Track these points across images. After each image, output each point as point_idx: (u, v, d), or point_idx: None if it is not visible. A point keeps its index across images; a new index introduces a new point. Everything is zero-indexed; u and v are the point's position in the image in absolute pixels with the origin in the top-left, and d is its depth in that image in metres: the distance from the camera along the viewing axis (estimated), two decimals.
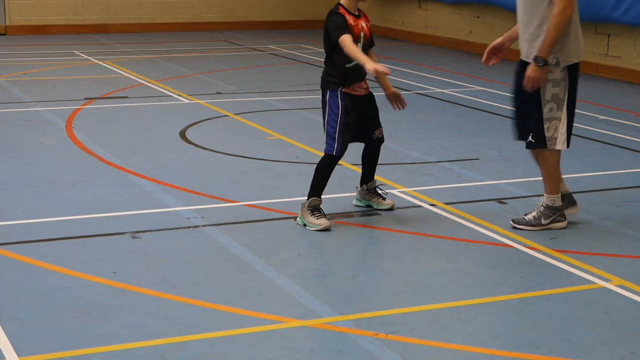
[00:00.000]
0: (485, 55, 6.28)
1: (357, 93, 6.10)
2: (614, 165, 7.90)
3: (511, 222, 6.10)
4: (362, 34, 6.04)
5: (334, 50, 6.01)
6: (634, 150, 8.51)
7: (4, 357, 4.17)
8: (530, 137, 6.02)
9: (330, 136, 6.05)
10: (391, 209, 6.43)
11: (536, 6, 5.83)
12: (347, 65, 6.01)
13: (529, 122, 6.02)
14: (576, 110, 9.78)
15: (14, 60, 13.93)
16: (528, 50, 5.92)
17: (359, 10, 6.09)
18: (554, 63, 5.83)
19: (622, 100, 11.25)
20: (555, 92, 5.90)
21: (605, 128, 9.40)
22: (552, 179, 6.10)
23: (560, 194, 6.12)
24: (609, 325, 4.66)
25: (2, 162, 7.68)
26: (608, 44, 13.18)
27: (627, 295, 5.03)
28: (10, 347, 4.25)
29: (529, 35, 5.90)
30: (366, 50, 6.08)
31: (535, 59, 5.80)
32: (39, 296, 4.89)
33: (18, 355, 4.19)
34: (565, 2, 5.70)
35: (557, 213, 6.08)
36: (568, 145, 6.06)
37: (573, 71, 5.94)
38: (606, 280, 5.24)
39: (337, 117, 6.01)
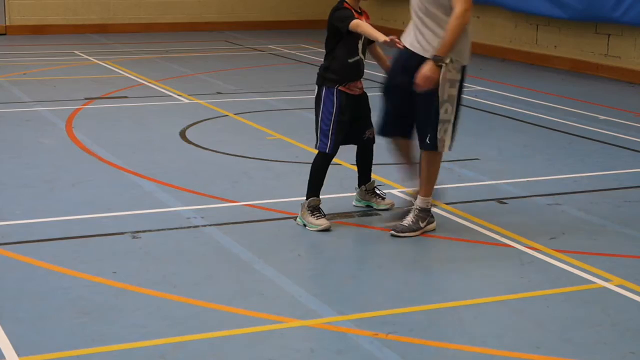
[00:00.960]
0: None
1: (352, 92, 6.09)
2: (614, 165, 7.90)
3: (392, 232, 5.93)
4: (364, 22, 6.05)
5: (338, 44, 6.02)
6: (634, 150, 8.51)
7: (4, 357, 4.17)
8: (427, 138, 5.87)
9: (323, 134, 6.05)
10: (390, 208, 6.43)
11: (436, 4, 5.74)
12: (350, 60, 6.01)
13: (423, 122, 5.86)
14: (576, 111, 9.78)
15: (14, 60, 13.93)
16: (419, 43, 5.79)
17: (360, 8, 6.10)
18: (450, 63, 5.73)
19: (622, 100, 11.25)
20: (452, 93, 5.81)
21: (605, 128, 9.41)
22: (432, 181, 6.03)
23: (429, 196, 6.03)
24: (609, 325, 4.66)
25: (2, 162, 7.68)
26: (608, 44, 13.18)
27: (627, 295, 5.03)
28: (10, 347, 4.25)
29: (426, 30, 5.77)
30: (365, 49, 6.10)
31: (435, 57, 5.66)
32: (39, 296, 4.89)
33: (18, 355, 4.19)
34: (466, 4, 5.65)
35: (429, 215, 6.03)
36: (451, 148, 5.98)
37: (463, 74, 5.89)
38: (606, 280, 5.24)
39: (332, 115, 6.02)
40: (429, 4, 5.73)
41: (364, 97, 6.21)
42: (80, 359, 4.19)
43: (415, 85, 5.70)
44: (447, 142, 5.90)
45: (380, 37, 5.76)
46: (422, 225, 5.97)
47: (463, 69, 5.87)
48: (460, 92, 5.89)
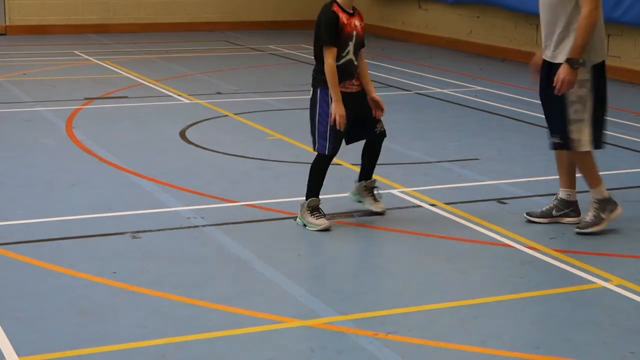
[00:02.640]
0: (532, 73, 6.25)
1: (348, 90, 6.04)
2: (614, 165, 7.89)
3: (576, 230, 6.04)
4: (354, 33, 6.01)
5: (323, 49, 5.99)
6: (634, 150, 8.51)
7: (4, 357, 4.17)
8: (556, 138, 6.00)
9: (321, 136, 6.02)
10: (382, 213, 6.35)
11: (562, 7, 5.83)
12: (338, 63, 5.97)
13: (554, 123, 6.00)
14: None
15: (14, 60, 13.93)
16: (554, 51, 5.91)
17: (353, 8, 6.07)
18: (581, 64, 5.81)
19: (622, 100, 11.25)
20: (581, 93, 5.87)
21: None
22: (591, 174, 6.09)
23: (600, 187, 6.08)
24: (609, 325, 4.66)
25: (2, 162, 7.68)
26: (608, 44, 13.16)
27: (627, 295, 5.03)
28: (10, 347, 4.25)
29: (555, 36, 5.88)
30: (357, 50, 6.05)
31: (569, 61, 5.76)
32: (39, 296, 4.89)
33: (18, 355, 4.19)
34: (593, 4, 5.70)
35: (610, 202, 6.09)
36: (601, 145, 6.03)
37: (599, 71, 5.93)
38: (606, 280, 5.24)
39: (327, 116, 5.97)
40: (553, 10, 5.85)
41: (362, 93, 6.13)
42: (80, 359, 4.19)
43: (556, 90, 5.80)
44: (586, 140, 5.94)
45: (336, 101, 5.87)
46: (604, 215, 6.04)
47: (595, 68, 5.90)
48: (596, 90, 5.91)
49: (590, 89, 5.89)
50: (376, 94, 6.18)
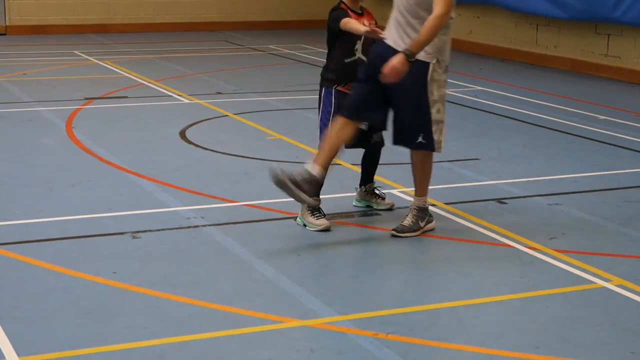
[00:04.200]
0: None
1: None
2: (614, 165, 7.90)
3: (393, 233, 5.92)
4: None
5: (335, 45, 6.03)
6: (634, 150, 8.51)
7: (4, 357, 4.17)
8: (421, 137, 5.82)
9: (323, 133, 6.06)
10: (391, 208, 6.43)
11: (422, 7, 5.69)
12: (347, 60, 6.01)
13: (416, 121, 5.80)
14: (576, 111, 9.79)
15: (14, 60, 13.93)
16: (401, 39, 5.69)
17: (362, 8, 6.10)
18: (435, 63, 5.72)
19: (622, 100, 11.25)
20: (442, 93, 5.81)
21: (605, 128, 9.41)
22: (427, 181, 6.03)
23: (426, 196, 6.03)
24: (609, 325, 4.66)
25: (2, 162, 7.68)
26: (608, 44, 13.18)
27: (627, 295, 5.03)
28: (10, 347, 4.25)
29: (408, 27, 5.69)
30: (365, 49, 6.06)
31: (407, 51, 5.53)
32: (39, 296, 4.89)
33: (18, 355, 4.19)
34: (446, 7, 5.52)
35: (428, 214, 6.04)
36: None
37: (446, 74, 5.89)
38: (606, 280, 5.24)
39: (330, 115, 6.03)
40: (416, 5, 5.67)
41: None
42: (80, 359, 4.19)
43: (381, 75, 5.56)
44: (444, 143, 5.90)
45: (362, 28, 5.76)
46: (421, 224, 5.97)
47: (446, 69, 5.86)
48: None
49: (445, 90, 5.85)
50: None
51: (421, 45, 5.55)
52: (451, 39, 5.83)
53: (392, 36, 5.77)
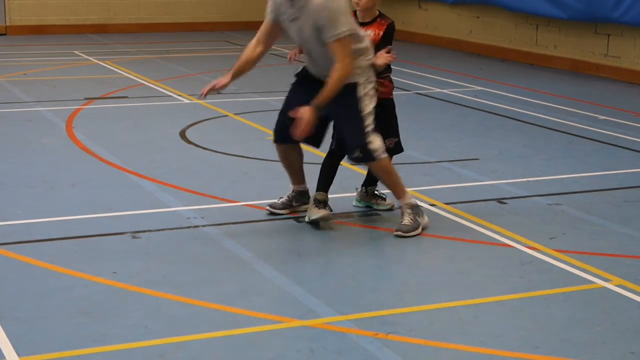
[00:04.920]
0: (206, 90, 6.32)
1: None
2: (614, 165, 7.90)
3: (396, 234, 5.94)
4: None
5: None
6: (634, 150, 8.51)
7: (4, 357, 4.17)
8: (357, 152, 5.88)
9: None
10: (391, 209, 6.44)
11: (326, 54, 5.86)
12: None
13: (352, 138, 5.88)
14: (576, 111, 9.81)
15: (14, 60, 13.93)
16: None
17: (377, 16, 6.09)
18: (363, 80, 5.83)
19: (622, 100, 11.25)
20: (373, 104, 5.88)
21: (605, 128, 9.41)
22: (397, 183, 6.04)
23: (407, 192, 6.07)
24: (609, 325, 4.66)
25: (2, 162, 7.68)
26: (608, 44, 13.18)
27: (627, 295, 5.04)
28: (10, 347, 4.25)
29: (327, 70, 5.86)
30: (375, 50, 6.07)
31: (317, 106, 5.69)
32: (39, 296, 4.89)
33: (18, 355, 4.19)
34: (348, 58, 5.69)
35: (419, 208, 6.06)
36: (390, 151, 6.07)
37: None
38: (606, 280, 5.24)
39: None
40: (315, 44, 5.96)
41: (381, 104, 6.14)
42: (80, 359, 4.19)
43: (296, 132, 5.69)
44: (382, 147, 5.91)
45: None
46: (420, 220, 5.99)
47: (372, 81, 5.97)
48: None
49: (374, 100, 5.93)
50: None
51: (327, 99, 5.72)
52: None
53: (315, 69, 6.15)
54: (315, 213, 6.03)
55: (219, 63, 13.82)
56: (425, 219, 6.06)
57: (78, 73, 12.70)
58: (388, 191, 6.69)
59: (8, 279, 5.14)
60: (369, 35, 6.05)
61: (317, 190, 6.15)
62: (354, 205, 6.52)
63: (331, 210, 6.10)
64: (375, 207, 6.46)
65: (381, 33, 6.11)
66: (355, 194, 6.57)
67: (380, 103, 6.03)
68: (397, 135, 6.26)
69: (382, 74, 6.04)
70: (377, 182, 6.44)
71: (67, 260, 5.42)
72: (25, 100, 10.47)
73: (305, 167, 6.34)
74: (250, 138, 8.73)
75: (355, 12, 6.12)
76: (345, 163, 7.31)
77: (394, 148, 6.26)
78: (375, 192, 6.49)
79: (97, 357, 4.21)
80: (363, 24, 6.08)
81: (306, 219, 6.13)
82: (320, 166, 6.26)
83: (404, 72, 12.97)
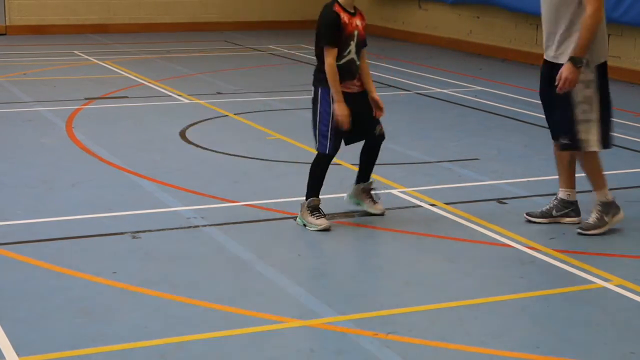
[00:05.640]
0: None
1: (349, 90, 6.05)
2: (614, 165, 7.89)
3: (579, 231, 6.04)
4: (355, 33, 6.01)
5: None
6: (634, 150, 8.51)
7: (4, 357, 4.17)
8: (564, 139, 5.99)
9: (322, 135, 6.02)
10: (382, 214, 6.34)
11: (565, 7, 5.83)
12: (339, 63, 5.97)
13: (562, 124, 5.99)
14: None
15: (14, 60, 13.93)
16: (556, 51, 5.91)
17: (355, 8, 6.07)
18: (584, 64, 5.83)
19: (622, 100, 11.23)
20: (588, 93, 5.89)
21: None
22: (596, 177, 6.11)
23: (605, 190, 6.11)
24: (609, 325, 4.66)
25: (2, 162, 7.68)
26: (608, 44, 13.17)
27: (627, 295, 5.03)
28: (10, 347, 4.25)
29: (558, 36, 5.89)
30: (359, 49, 6.05)
31: (573, 59, 5.76)
32: (39, 296, 4.89)
33: (18, 355, 4.19)
34: (597, 3, 5.71)
35: (613, 207, 6.11)
36: (609, 145, 6.05)
37: (602, 71, 5.94)
38: (606, 280, 5.24)
39: (329, 116, 5.97)
40: (556, 10, 5.86)
41: (363, 94, 6.14)
42: (80, 359, 4.19)
43: (558, 89, 5.80)
44: (594, 140, 5.94)
45: (338, 101, 5.84)
46: (607, 219, 6.04)
47: (599, 68, 5.91)
48: (601, 90, 5.93)
49: (595, 89, 5.90)
50: (377, 94, 6.18)
51: (584, 48, 5.75)
52: (605, 35, 5.93)
53: (547, 51, 6.04)
54: (314, 224, 5.99)
55: (219, 63, 13.83)
56: (617, 217, 6.09)
57: (78, 73, 12.70)
58: (387, 190, 6.69)
59: (8, 279, 5.14)
60: (357, 27, 6.02)
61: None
62: (345, 201, 6.43)
63: (325, 215, 6.05)
64: (365, 207, 6.35)
65: (364, 24, 6.10)
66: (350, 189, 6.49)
67: (360, 95, 6.11)
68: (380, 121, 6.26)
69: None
70: (370, 177, 6.37)
71: (67, 260, 5.42)
72: (25, 100, 10.47)
73: (302, 168, 6.32)
74: (250, 138, 8.73)
75: (337, 3, 5.99)
76: (345, 163, 7.31)
77: (383, 134, 6.22)
78: (372, 192, 6.39)
79: (97, 357, 4.21)
80: (351, 15, 6.01)
81: (297, 221, 6.10)
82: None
83: (404, 72, 12.97)
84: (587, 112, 5.91)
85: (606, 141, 6.01)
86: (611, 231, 6.12)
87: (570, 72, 5.77)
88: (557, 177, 6.34)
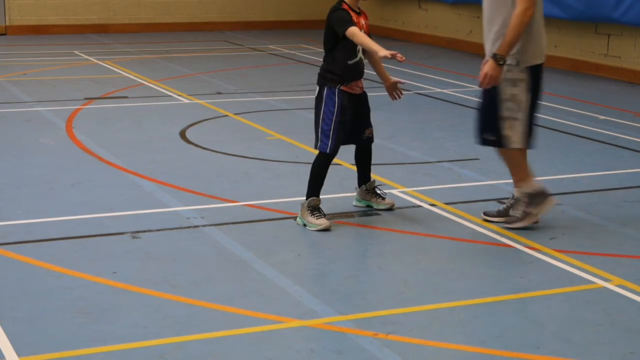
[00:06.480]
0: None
1: (353, 92, 6.10)
2: (614, 165, 7.90)
3: (504, 225, 6.07)
4: (362, 32, 6.05)
5: (336, 47, 6.02)
6: (634, 150, 8.51)
7: (4, 357, 4.17)
8: (489, 135, 6.03)
9: (324, 134, 6.05)
10: (391, 208, 6.43)
11: (501, 6, 5.82)
12: (350, 62, 6.02)
13: (489, 120, 6.02)
14: (576, 111, 9.79)
15: (14, 60, 13.93)
16: (491, 49, 5.88)
17: (359, 8, 6.11)
18: (513, 64, 5.82)
19: (622, 100, 11.25)
20: (514, 92, 5.88)
21: (605, 128, 9.41)
22: (518, 171, 6.15)
23: (529, 181, 6.12)
24: (609, 325, 4.66)
25: (2, 162, 7.68)
26: (608, 44, 13.18)
27: (627, 295, 5.03)
28: (10, 347, 4.25)
29: (493, 34, 5.88)
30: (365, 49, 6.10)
31: (495, 56, 5.75)
32: (39, 296, 4.89)
33: (18, 355, 4.19)
34: (526, 3, 5.67)
35: (536, 197, 6.10)
36: (529, 145, 6.07)
37: (536, 73, 5.93)
38: (606, 280, 5.24)
39: (333, 115, 6.01)
40: (493, 8, 5.85)
41: (364, 96, 6.21)
42: (80, 359, 4.19)
43: (479, 84, 5.84)
44: (517, 137, 5.95)
45: (380, 51, 5.78)
46: (532, 210, 6.07)
47: (533, 70, 5.90)
48: (532, 92, 5.92)
49: (525, 89, 5.90)
50: (393, 78, 6.40)
51: (507, 46, 5.72)
52: (541, 38, 5.91)
53: (485, 45, 6.00)
54: (314, 224, 6.01)
55: (219, 63, 13.83)
56: (545, 205, 6.11)
57: (78, 73, 12.70)
58: (387, 190, 6.69)
59: (8, 279, 5.14)
60: (363, 26, 6.05)
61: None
62: (354, 205, 6.51)
63: (325, 215, 6.08)
64: (375, 206, 6.45)
65: (368, 23, 6.14)
66: (355, 194, 6.56)
67: (361, 97, 6.18)
68: (371, 125, 6.33)
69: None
70: (370, 177, 6.42)
71: (67, 260, 5.42)
72: (25, 100, 10.47)
73: (302, 168, 6.32)
74: (250, 138, 8.73)
75: (345, 2, 6.01)
76: (345, 163, 7.31)
77: (371, 137, 6.28)
78: (376, 189, 6.47)
79: (97, 357, 4.21)
80: (357, 14, 6.04)
81: (297, 221, 6.12)
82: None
83: (404, 72, 12.97)
84: (512, 111, 5.91)
85: (528, 140, 6.03)
86: (611, 231, 6.12)
87: (491, 68, 5.75)
88: (557, 177, 6.34)
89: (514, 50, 5.79)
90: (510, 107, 5.90)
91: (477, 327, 4.63)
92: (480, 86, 5.86)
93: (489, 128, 6.02)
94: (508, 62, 5.78)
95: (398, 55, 5.70)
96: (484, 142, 6.12)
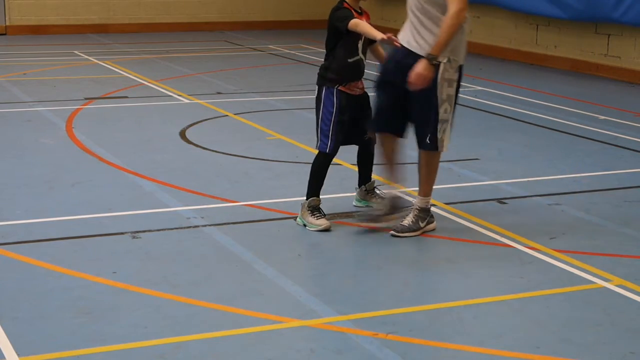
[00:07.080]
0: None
1: (352, 92, 6.09)
2: (614, 165, 7.90)
3: (392, 232, 5.93)
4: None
5: (338, 44, 6.02)
6: (634, 150, 8.51)
7: (4, 357, 4.17)
8: (427, 138, 5.86)
9: (323, 134, 6.06)
10: None
11: (435, 5, 5.70)
12: (350, 60, 6.01)
13: (423, 122, 5.85)
14: (576, 111, 9.78)
15: (14, 60, 13.93)
16: (414, 42, 5.75)
17: (360, 8, 6.11)
18: (449, 63, 5.72)
19: (622, 100, 11.26)
20: (450, 92, 5.80)
21: (605, 128, 9.41)
22: (431, 181, 6.05)
23: (430, 195, 6.05)
24: (609, 325, 4.66)
25: (2, 162, 7.68)
26: (608, 44, 13.18)
27: (627, 295, 5.03)
28: (10, 347, 4.25)
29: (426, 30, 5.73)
30: (365, 48, 6.10)
31: (429, 56, 5.61)
32: (39, 296, 4.89)
33: (18, 355, 4.19)
34: (460, 4, 5.55)
35: (429, 214, 6.04)
36: (447, 148, 5.98)
37: (461, 73, 5.88)
38: (606, 280, 5.24)
39: (332, 115, 6.02)
40: (425, 3, 5.71)
41: (364, 97, 6.20)
42: (80, 359, 4.19)
43: (409, 84, 5.66)
44: (447, 142, 5.91)
45: (378, 34, 5.75)
46: (422, 225, 5.98)
47: (460, 69, 5.85)
48: (457, 91, 5.88)
49: (455, 89, 5.84)
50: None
51: (441, 47, 5.60)
52: (465, 37, 5.82)
53: (405, 37, 5.83)
54: (314, 224, 6.01)
55: (219, 63, 13.83)
56: (430, 226, 6.02)
57: (78, 73, 12.70)
58: (388, 190, 6.69)
59: (8, 279, 5.14)
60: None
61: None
62: (354, 205, 6.51)
63: (325, 215, 6.08)
64: (374, 206, 6.43)
65: (369, 23, 6.13)
66: (354, 194, 6.56)
67: (361, 98, 6.13)
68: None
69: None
70: (371, 177, 6.42)
71: (67, 260, 5.42)
72: (25, 100, 10.47)
73: (302, 168, 6.32)
74: (250, 138, 8.73)
75: (346, 2, 5.99)
76: (345, 163, 7.32)
77: (374, 138, 6.23)
78: (376, 190, 6.48)
79: (97, 357, 4.21)
80: (359, 14, 6.04)
81: (297, 221, 6.12)
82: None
83: None
84: (447, 112, 5.83)
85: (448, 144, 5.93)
86: (611, 231, 6.12)
87: (424, 69, 5.60)
88: (557, 177, 6.34)
89: (447, 50, 5.67)
90: (446, 109, 5.81)
91: (476, 327, 4.63)
92: (410, 87, 5.65)
93: (430, 131, 5.84)
94: (444, 61, 5.68)
95: (393, 38, 5.67)
96: (426, 146, 5.91)
